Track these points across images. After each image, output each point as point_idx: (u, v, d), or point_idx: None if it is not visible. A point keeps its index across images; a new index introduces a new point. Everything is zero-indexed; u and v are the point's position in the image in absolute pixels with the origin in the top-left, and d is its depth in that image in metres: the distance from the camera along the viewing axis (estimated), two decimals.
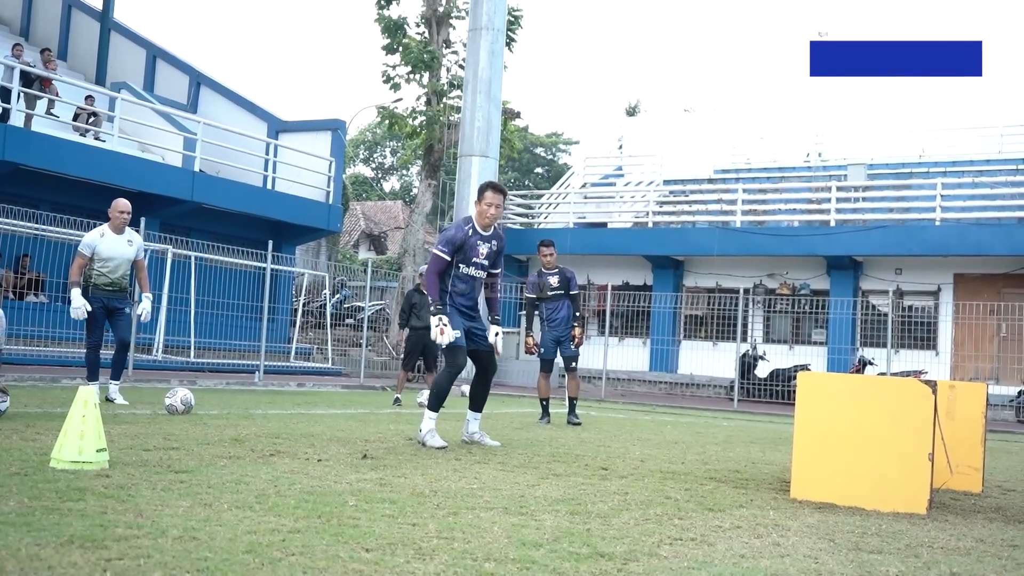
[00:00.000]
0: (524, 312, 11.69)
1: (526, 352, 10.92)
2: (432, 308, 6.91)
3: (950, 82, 28.92)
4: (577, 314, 10.65)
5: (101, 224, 9.53)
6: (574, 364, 10.74)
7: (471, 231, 7.07)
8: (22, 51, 19.16)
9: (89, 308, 9.04)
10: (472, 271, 7.14)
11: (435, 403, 7.05)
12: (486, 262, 7.19)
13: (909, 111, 28.66)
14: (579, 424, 10.53)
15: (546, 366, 10.82)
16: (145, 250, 9.91)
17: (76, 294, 9.05)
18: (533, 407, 14.33)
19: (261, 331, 17.01)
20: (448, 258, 7.01)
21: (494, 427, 9.57)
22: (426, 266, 13.26)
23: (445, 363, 7.11)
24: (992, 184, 23.59)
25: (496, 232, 7.28)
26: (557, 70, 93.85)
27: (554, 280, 10.65)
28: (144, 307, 9.64)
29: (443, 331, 6.77)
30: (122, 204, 9.43)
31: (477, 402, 7.47)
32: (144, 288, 9.70)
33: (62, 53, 26.38)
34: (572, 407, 10.82)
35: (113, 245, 9.27)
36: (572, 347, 10.63)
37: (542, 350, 10.75)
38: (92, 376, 9.29)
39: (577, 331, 10.59)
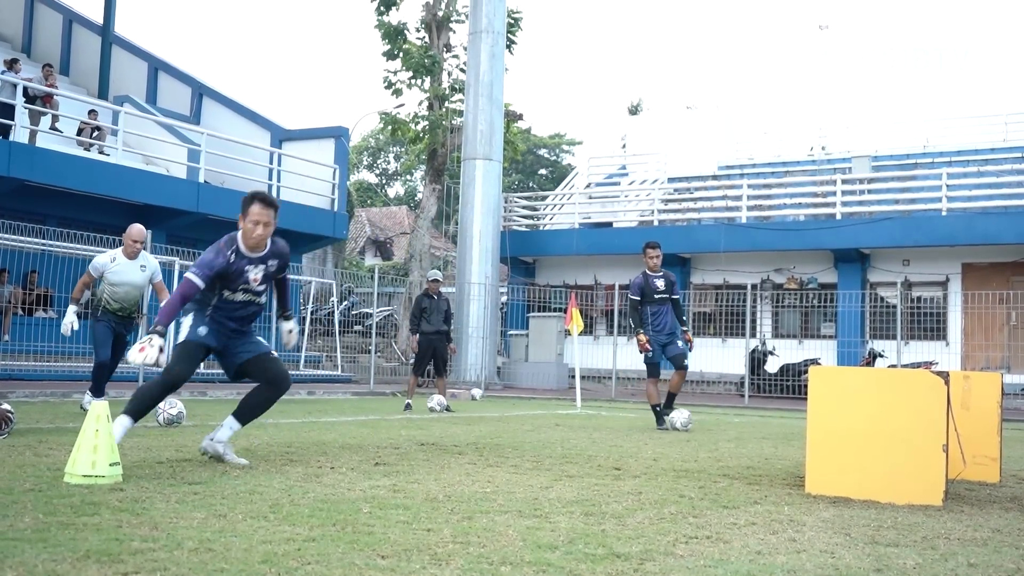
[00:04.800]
0: (629, 315, 11.22)
1: (640, 351, 10.46)
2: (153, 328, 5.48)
3: (953, 71, 28.85)
4: (685, 318, 10.64)
5: (115, 248, 9.30)
6: (685, 362, 10.43)
7: (233, 255, 5.73)
8: (19, 66, 19.10)
9: (76, 328, 9.02)
10: (240, 296, 5.85)
11: (137, 409, 5.57)
12: (261, 288, 5.95)
13: (912, 102, 28.58)
14: (665, 427, 10.28)
15: (653, 370, 10.56)
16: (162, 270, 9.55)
17: (70, 311, 9.09)
18: (543, 408, 14.33)
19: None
20: (202, 285, 5.62)
21: (506, 430, 9.56)
22: (434, 271, 13.31)
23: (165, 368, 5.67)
24: (998, 172, 23.53)
25: (273, 250, 6.02)
26: (558, 71, 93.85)
27: (660, 283, 10.46)
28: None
29: (143, 349, 5.31)
30: (135, 232, 9.03)
31: (246, 412, 5.91)
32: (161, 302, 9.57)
33: (64, 68, 26.46)
34: (670, 400, 10.56)
35: (124, 271, 9.00)
36: (679, 345, 10.45)
37: (651, 353, 10.43)
38: (97, 392, 9.20)
39: (689, 334, 10.59)
